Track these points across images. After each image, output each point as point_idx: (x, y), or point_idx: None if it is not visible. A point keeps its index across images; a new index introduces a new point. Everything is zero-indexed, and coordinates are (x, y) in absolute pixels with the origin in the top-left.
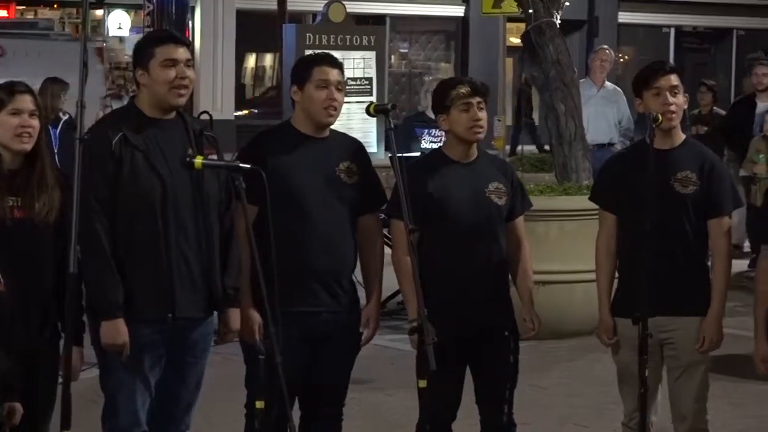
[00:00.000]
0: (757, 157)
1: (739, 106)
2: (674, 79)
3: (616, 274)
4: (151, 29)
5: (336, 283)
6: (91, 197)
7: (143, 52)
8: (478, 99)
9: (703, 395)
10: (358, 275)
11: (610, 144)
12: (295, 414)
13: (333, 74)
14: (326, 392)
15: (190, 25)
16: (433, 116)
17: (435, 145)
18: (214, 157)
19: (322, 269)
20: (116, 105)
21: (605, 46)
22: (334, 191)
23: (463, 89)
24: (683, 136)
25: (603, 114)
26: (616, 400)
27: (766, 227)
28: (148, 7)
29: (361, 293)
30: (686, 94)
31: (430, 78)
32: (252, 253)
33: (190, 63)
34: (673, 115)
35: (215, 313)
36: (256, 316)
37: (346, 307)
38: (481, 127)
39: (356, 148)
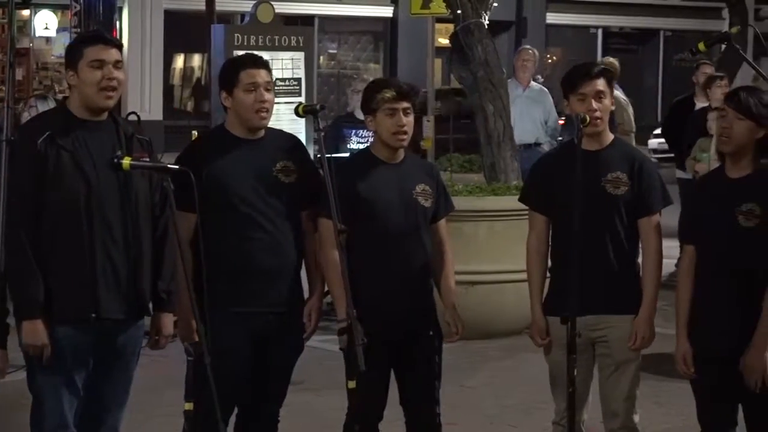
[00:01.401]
0: (701, 155)
1: (678, 106)
2: (600, 84)
3: (548, 274)
4: (79, 29)
5: (282, 282)
6: (13, 196)
7: (73, 52)
8: (404, 104)
9: (633, 393)
10: None
11: (537, 144)
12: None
13: (260, 75)
14: (267, 392)
15: (118, 25)
16: (361, 117)
17: (362, 146)
18: (147, 159)
19: (268, 270)
20: (41, 105)
21: (527, 46)
22: (273, 192)
23: (389, 93)
24: (611, 137)
25: (529, 114)
26: (545, 400)
27: (686, 228)
28: (75, 7)
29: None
30: (613, 97)
31: (358, 79)
32: (182, 255)
33: (119, 64)
34: (598, 121)
35: (145, 317)
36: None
37: (291, 307)
38: (405, 133)
39: (292, 145)
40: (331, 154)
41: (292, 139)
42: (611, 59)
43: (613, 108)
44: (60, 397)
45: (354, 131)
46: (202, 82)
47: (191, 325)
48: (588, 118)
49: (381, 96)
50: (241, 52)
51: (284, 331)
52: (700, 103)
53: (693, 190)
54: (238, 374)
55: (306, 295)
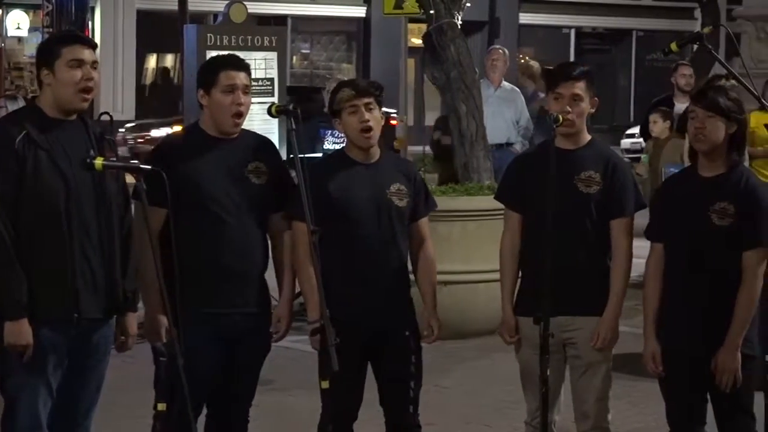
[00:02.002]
0: (643, 157)
1: (656, 107)
2: (578, 88)
3: (520, 274)
4: (51, 29)
5: (249, 284)
6: None
7: (49, 51)
8: (365, 100)
9: (605, 394)
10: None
11: (509, 144)
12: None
13: (240, 78)
14: (236, 392)
15: (90, 25)
16: None
17: (338, 146)
18: (114, 159)
19: (234, 270)
20: (11, 106)
21: (497, 46)
22: (243, 192)
23: (347, 92)
24: (588, 137)
25: (500, 114)
26: (518, 399)
27: (653, 227)
28: (47, 7)
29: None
30: (594, 98)
31: (331, 79)
32: (154, 255)
33: (95, 65)
34: (569, 123)
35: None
36: (162, 319)
37: (257, 308)
38: (370, 129)
39: (265, 146)
40: (305, 154)
41: (265, 140)
42: (531, 61)
43: (592, 110)
44: (36, 398)
45: (330, 131)
46: (175, 83)
47: (158, 325)
48: (561, 118)
49: (340, 96)
50: (214, 53)
51: (252, 332)
52: (679, 104)
53: (661, 190)
54: (206, 374)
55: (273, 294)
